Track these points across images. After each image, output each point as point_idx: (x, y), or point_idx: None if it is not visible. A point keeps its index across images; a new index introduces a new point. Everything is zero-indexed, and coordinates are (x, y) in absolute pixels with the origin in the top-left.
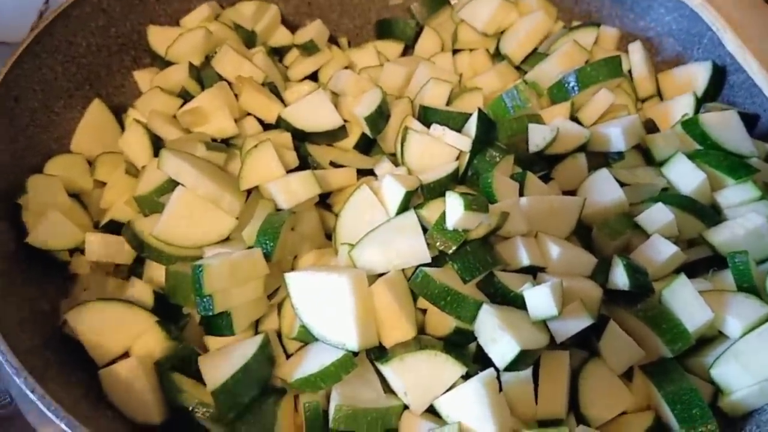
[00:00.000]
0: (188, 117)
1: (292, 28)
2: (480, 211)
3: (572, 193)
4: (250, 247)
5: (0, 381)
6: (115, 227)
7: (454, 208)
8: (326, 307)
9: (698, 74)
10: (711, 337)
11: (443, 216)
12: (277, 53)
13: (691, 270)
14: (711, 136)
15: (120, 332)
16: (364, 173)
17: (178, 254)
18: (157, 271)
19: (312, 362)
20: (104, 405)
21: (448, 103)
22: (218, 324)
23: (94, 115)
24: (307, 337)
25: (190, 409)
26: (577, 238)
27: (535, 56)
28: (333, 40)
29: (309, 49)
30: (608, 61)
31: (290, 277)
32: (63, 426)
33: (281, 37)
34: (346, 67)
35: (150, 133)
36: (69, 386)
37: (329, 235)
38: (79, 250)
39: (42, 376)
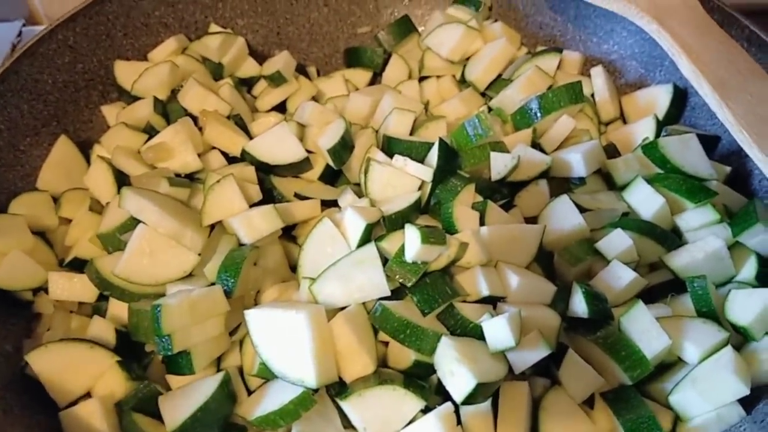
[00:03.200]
0: (152, 153)
1: (262, 58)
2: (438, 244)
3: (534, 219)
4: (212, 283)
5: None
6: (79, 264)
7: (411, 241)
8: (285, 343)
9: (660, 97)
10: (671, 363)
11: (402, 249)
12: (246, 84)
13: (654, 294)
14: (670, 159)
15: (81, 373)
16: (329, 204)
17: (140, 292)
18: (120, 309)
19: (272, 400)
20: None
21: (412, 132)
22: (178, 363)
23: (61, 152)
24: (267, 374)
25: None
26: (539, 265)
27: (499, 82)
28: (302, 69)
29: (276, 80)
30: (569, 87)
31: (249, 314)
32: None
33: (249, 68)
34: (313, 97)
35: (114, 170)
36: (30, 430)
37: (294, 267)
38: (42, 289)
39: (2, 421)
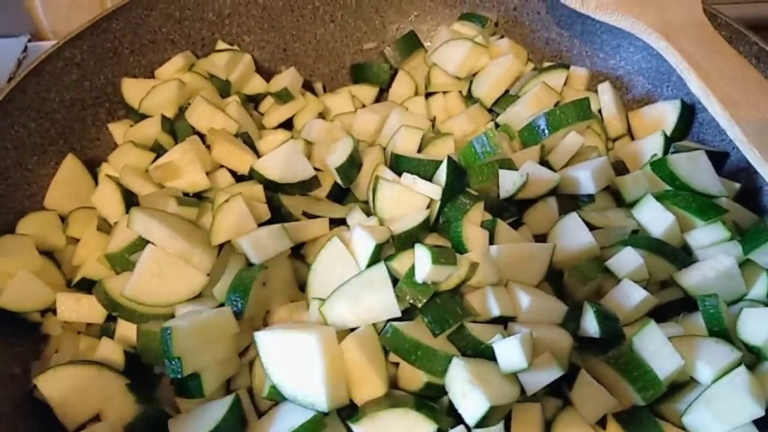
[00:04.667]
0: (159, 172)
1: (269, 74)
2: (448, 264)
3: (544, 237)
4: (221, 304)
5: None
6: (87, 285)
7: (422, 262)
8: (295, 366)
9: (667, 112)
10: (683, 383)
11: (413, 269)
12: (253, 100)
13: (666, 311)
14: (680, 177)
15: (90, 396)
16: (338, 222)
17: (149, 313)
18: (129, 330)
19: (282, 423)
20: None
21: (420, 150)
22: (188, 386)
23: (68, 171)
24: (277, 397)
25: None
26: (549, 284)
27: (506, 98)
28: (308, 85)
29: (283, 97)
30: (577, 104)
31: (259, 336)
32: None
33: (256, 85)
34: (320, 114)
35: (122, 189)
36: None
37: (302, 286)
38: (50, 310)
39: None
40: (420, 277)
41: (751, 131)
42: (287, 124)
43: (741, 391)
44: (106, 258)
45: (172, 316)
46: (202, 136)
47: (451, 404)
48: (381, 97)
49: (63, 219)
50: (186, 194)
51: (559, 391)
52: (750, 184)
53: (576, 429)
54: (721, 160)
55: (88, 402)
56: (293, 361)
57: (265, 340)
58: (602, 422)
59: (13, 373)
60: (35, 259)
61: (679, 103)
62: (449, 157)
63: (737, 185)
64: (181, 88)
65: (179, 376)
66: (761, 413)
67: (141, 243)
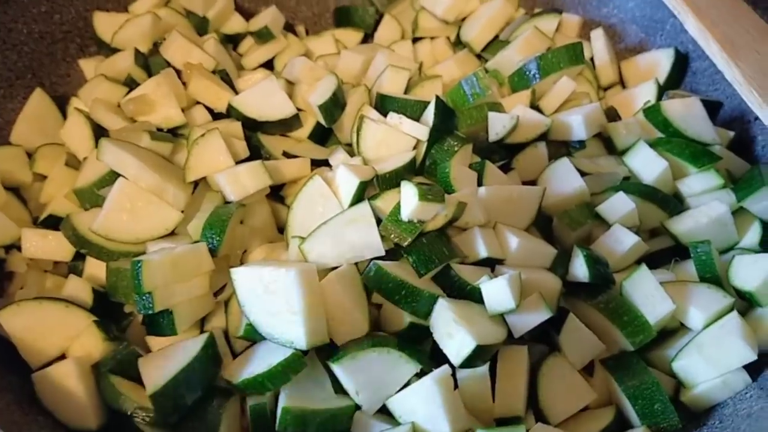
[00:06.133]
0: (132, 105)
1: (247, 15)
2: (436, 201)
3: (532, 183)
4: (196, 242)
5: None
6: (54, 222)
7: (408, 199)
8: (274, 303)
9: (661, 61)
10: (673, 330)
11: (398, 207)
12: (231, 41)
13: (654, 260)
14: (673, 123)
15: (56, 333)
16: (319, 164)
17: (119, 250)
18: (97, 268)
19: (259, 362)
20: (36, 411)
21: (406, 92)
22: (159, 323)
23: (36, 106)
24: (254, 336)
25: (129, 413)
26: (537, 229)
27: (496, 44)
28: (290, 29)
29: (263, 36)
30: (570, 48)
31: (236, 272)
32: None
33: (235, 24)
34: (303, 55)
35: (93, 123)
36: (0, 392)
37: (281, 229)
38: (15, 246)
39: None
40: (406, 214)
41: (750, 72)
42: (267, 67)
43: (733, 336)
44: (74, 193)
45: (143, 254)
46: (178, 74)
47: (433, 349)
48: (365, 42)
49: (30, 155)
50: (160, 130)
51: (547, 338)
52: (743, 134)
53: (562, 373)
54: (714, 109)
55: (54, 339)
56: (271, 298)
57: (241, 275)
58: (589, 369)
59: None
60: (0, 194)
61: (673, 51)
62: (438, 97)
63: (731, 133)
64: (156, 22)
65: (150, 312)
66: (753, 357)
67: (111, 177)
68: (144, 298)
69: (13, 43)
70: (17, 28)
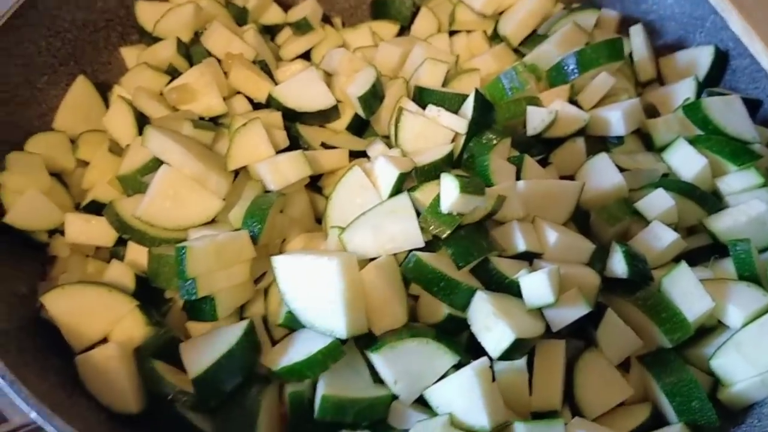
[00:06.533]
0: (175, 94)
1: (285, 6)
2: (476, 194)
3: (570, 178)
4: (236, 230)
5: None
6: (96, 208)
7: (449, 191)
8: (314, 292)
9: (700, 58)
10: (711, 328)
11: (437, 199)
12: (269, 32)
13: (691, 258)
14: (713, 120)
15: (99, 317)
16: (357, 155)
17: (161, 236)
18: (139, 254)
19: (298, 350)
20: (79, 393)
21: (444, 85)
22: (201, 309)
23: (79, 92)
24: (294, 324)
25: (170, 397)
26: (575, 224)
27: (533, 38)
28: (327, 20)
29: (302, 27)
30: (609, 43)
31: (277, 261)
32: (32, 416)
33: (273, 15)
34: (340, 47)
35: (135, 111)
36: (43, 373)
37: (319, 219)
38: (58, 231)
39: (14, 362)
40: (446, 206)
41: None
42: (305, 58)
43: None
44: (117, 180)
45: (184, 240)
46: (218, 63)
47: (469, 341)
48: (402, 35)
49: (73, 142)
50: (201, 119)
51: (584, 334)
52: None
53: (599, 369)
54: (754, 108)
55: (97, 323)
56: (312, 287)
57: (283, 264)
58: (625, 365)
59: (20, 291)
60: (44, 178)
61: (713, 48)
62: (477, 90)
63: None
64: (197, 11)
65: (193, 298)
66: None
67: (155, 164)
68: (188, 283)
69: (57, 30)
70: (61, 16)
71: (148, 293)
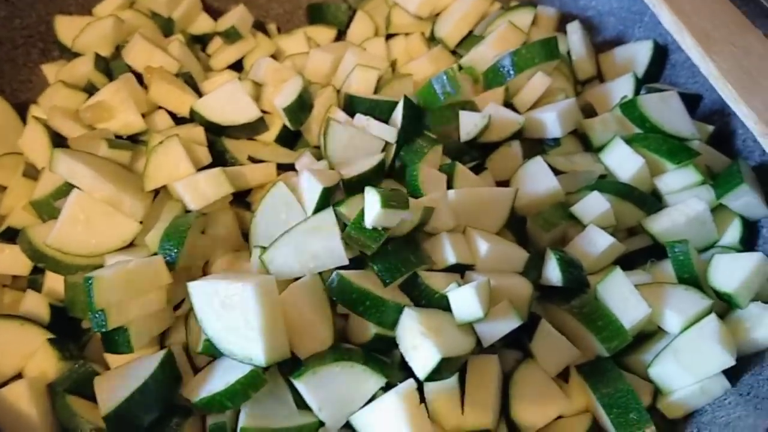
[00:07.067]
0: (90, 113)
1: (218, 14)
2: (400, 208)
3: (507, 183)
4: (153, 254)
5: None
6: (14, 235)
7: (371, 205)
8: (231, 318)
9: (639, 54)
10: (651, 333)
11: (362, 214)
12: (200, 41)
13: (632, 261)
14: (650, 118)
15: (11, 352)
16: (287, 168)
17: (76, 263)
18: (57, 282)
19: (218, 380)
20: None
21: (377, 91)
22: (114, 341)
23: None
24: (213, 352)
25: None
26: (511, 231)
27: (470, 39)
28: (261, 27)
29: (231, 36)
30: (544, 43)
31: (193, 287)
32: None
33: (202, 24)
34: (272, 56)
35: (51, 131)
36: None
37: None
38: None
39: None
40: (369, 221)
41: (725, 66)
42: (237, 68)
43: (711, 341)
44: (31, 205)
45: (101, 267)
46: (141, 78)
47: (403, 358)
48: (339, 39)
49: None
50: (119, 137)
51: (519, 344)
52: (723, 128)
53: (536, 381)
54: (693, 102)
55: (9, 358)
56: (228, 313)
57: (198, 289)
58: (564, 376)
59: None
60: None
61: (652, 43)
62: (406, 97)
63: (710, 128)
64: (117, 24)
65: (104, 330)
66: (731, 362)
67: (68, 188)
68: (97, 315)
69: None
70: None
71: (67, 323)
